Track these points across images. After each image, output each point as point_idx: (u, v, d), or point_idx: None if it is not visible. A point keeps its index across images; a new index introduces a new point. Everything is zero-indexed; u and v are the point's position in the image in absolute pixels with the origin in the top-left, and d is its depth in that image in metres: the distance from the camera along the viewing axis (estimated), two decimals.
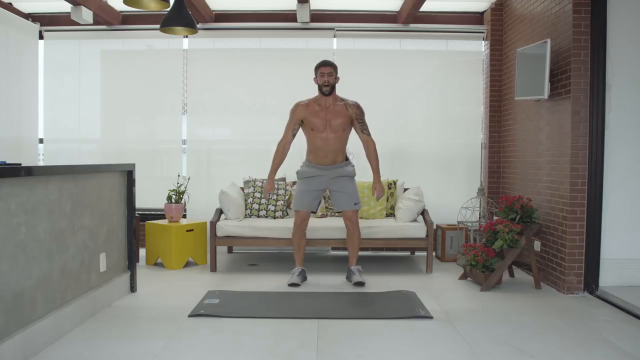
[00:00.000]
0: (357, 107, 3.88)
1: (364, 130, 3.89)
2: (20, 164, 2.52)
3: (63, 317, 2.74)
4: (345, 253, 5.19)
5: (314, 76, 3.88)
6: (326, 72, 3.79)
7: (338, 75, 3.87)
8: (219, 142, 5.51)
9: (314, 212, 4.05)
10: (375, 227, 4.40)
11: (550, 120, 4.00)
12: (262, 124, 5.38)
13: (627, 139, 3.72)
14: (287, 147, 3.93)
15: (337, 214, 4.64)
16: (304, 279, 3.97)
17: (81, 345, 2.65)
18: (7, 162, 2.59)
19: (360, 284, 3.86)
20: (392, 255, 5.21)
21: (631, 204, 3.75)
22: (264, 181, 4.84)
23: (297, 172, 4.07)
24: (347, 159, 4.00)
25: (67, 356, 2.51)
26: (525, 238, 3.86)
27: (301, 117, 3.86)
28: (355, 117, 3.85)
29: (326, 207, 4.79)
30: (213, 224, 4.38)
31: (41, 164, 4.96)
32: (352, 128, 3.93)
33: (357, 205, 3.94)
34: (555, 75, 3.89)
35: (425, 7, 4.82)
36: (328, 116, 3.82)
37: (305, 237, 4.04)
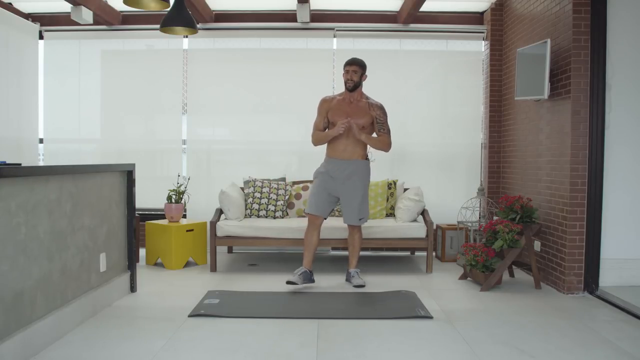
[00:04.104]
0: (380, 109, 3.88)
1: (381, 130, 3.87)
2: (20, 164, 2.53)
3: (63, 317, 2.74)
4: (346, 253, 5.20)
5: (343, 72, 3.88)
6: (350, 69, 3.82)
7: (366, 74, 3.87)
8: (219, 142, 5.51)
9: (325, 218, 3.96)
10: (375, 227, 4.39)
11: (550, 120, 4.00)
12: (262, 124, 5.39)
13: (627, 139, 3.72)
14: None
15: (337, 212, 4.63)
16: (308, 281, 3.79)
17: (81, 345, 2.65)
18: (7, 162, 2.59)
19: (361, 286, 3.85)
20: (392, 255, 5.21)
21: (631, 204, 3.75)
22: (264, 181, 4.84)
23: (314, 172, 3.99)
24: (367, 158, 3.95)
25: (67, 356, 2.51)
26: (525, 238, 3.86)
27: (326, 111, 3.87)
28: (376, 117, 3.86)
29: None
30: (213, 224, 4.38)
31: (41, 164, 4.97)
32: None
33: (362, 220, 3.90)
34: (555, 75, 3.89)
35: (425, 7, 4.82)
36: (351, 111, 3.83)
37: (318, 235, 3.90)
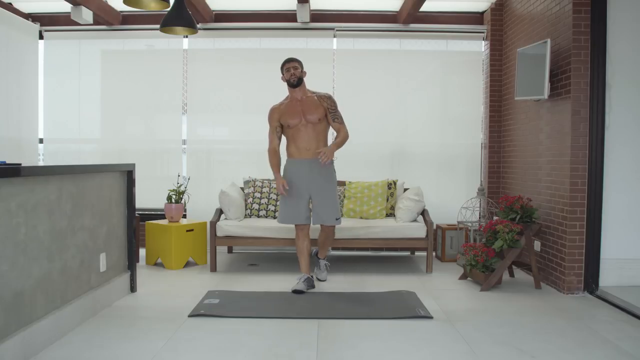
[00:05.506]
0: (329, 98, 3.85)
1: (335, 120, 3.82)
2: (20, 164, 2.52)
3: (63, 317, 2.74)
4: (345, 253, 5.22)
5: (281, 75, 3.81)
6: (290, 66, 3.76)
7: (304, 70, 3.82)
8: (219, 142, 5.50)
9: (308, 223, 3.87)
10: (375, 227, 4.39)
11: (550, 120, 4.00)
12: (262, 124, 5.29)
13: (627, 139, 3.72)
14: (277, 150, 3.87)
15: None
16: (312, 286, 3.81)
17: (81, 345, 2.65)
18: (7, 162, 2.59)
19: (323, 281, 3.98)
20: (392, 255, 5.21)
21: (631, 204, 3.75)
22: (264, 181, 4.84)
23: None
24: None
25: (67, 356, 2.51)
26: (525, 238, 3.86)
27: (278, 119, 3.83)
28: (327, 107, 3.80)
29: None
30: (213, 224, 4.37)
31: (41, 164, 4.96)
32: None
33: (338, 221, 3.83)
34: (555, 75, 3.89)
35: (425, 7, 4.82)
36: (302, 109, 3.78)
37: (308, 238, 3.88)
